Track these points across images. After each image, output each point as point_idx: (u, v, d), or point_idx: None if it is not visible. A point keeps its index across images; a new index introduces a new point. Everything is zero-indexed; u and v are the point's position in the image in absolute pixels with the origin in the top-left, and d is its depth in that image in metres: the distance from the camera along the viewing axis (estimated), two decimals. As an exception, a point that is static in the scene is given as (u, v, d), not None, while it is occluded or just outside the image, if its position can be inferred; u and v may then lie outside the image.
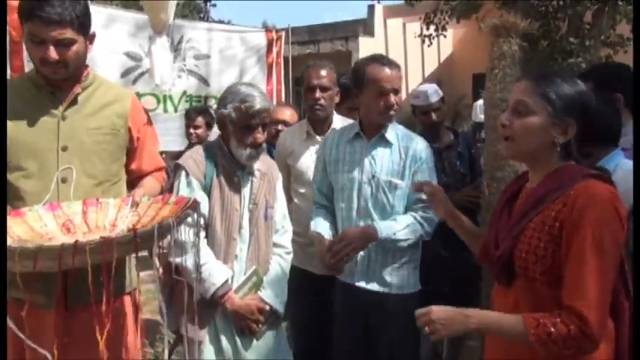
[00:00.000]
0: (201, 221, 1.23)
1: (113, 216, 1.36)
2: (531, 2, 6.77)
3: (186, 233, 1.36)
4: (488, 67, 2.37)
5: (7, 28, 3.56)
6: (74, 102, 1.52)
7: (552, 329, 1.08)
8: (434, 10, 7.87)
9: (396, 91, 1.98)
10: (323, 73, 2.34)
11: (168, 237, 1.23)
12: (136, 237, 1.00)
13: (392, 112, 1.98)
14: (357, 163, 2.02)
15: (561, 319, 1.09)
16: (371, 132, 2.04)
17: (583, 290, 1.10)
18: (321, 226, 2.04)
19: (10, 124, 1.46)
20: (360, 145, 2.04)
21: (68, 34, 1.41)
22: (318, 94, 2.31)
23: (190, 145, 3.70)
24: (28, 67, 3.65)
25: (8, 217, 1.23)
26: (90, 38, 1.52)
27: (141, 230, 1.01)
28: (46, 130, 1.48)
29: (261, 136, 1.83)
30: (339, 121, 2.38)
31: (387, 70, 1.95)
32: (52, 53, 1.40)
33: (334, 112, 2.45)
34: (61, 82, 1.50)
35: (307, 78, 2.36)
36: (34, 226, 1.26)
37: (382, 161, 2.01)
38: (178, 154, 3.58)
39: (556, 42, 6.47)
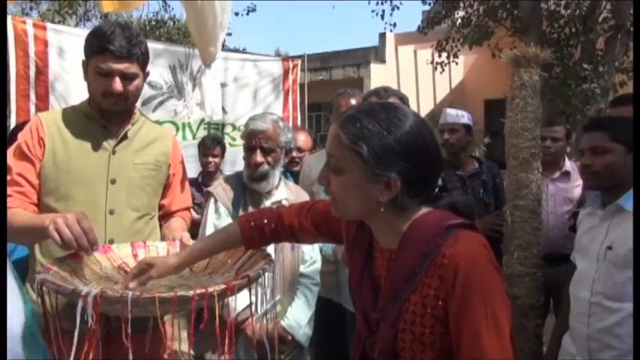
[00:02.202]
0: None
1: None
2: (543, 30, 6.84)
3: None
4: (508, 97, 2.39)
5: (34, 57, 3.68)
6: (124, 137, 1.58)
7: None
8: (446, 37, 7.96)
9: None
10: (353, 101, 2.31)
11: None
12: (250, 282, 1.11)
13: None
14: None
15: None
16: None
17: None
18: None
19: (61, 153, 1.50)
20: None
21: (134, 68, 1.49)
22: None
23: (207, 174, 3.73)
24: (52, 95, 3.76)
25: (70, 260, 1.26)
26: (145, 75, 1.60)
27: (253, 276, 1.12)
28: (98, 163, 1.52)
29: (256, 157, 1.85)
30: None
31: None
32: (118, 85, 1.46)
33: None
34: (115, 116, 1.56)
35: (337, 106, 2.33)
36: (94, 269, 1.27)
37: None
38: (193, 182, 3.62)
39: (569, 68, 6.50)
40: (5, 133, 1.48)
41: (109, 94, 1.48)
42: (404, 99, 2.08)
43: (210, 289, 1.01)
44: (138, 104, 4.50)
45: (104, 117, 1.55)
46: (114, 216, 1.51)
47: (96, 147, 1.53)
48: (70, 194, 1.48)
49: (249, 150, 1.88)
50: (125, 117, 1.59)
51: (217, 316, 1.07)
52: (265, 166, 1.86)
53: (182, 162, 1.74)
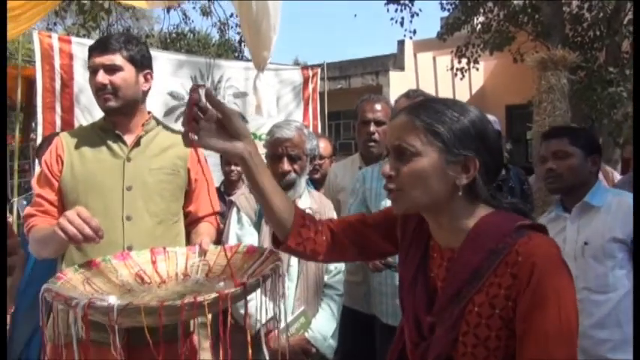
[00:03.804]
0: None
1: (183, 265, 1.37)
2: (566, 33, 6.71)
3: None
4: (535, 101, 2.35)
5: (59, 70, 3.76)
6: (138, 144, 1.61)
7: None
8: (465, 43, 7.88)
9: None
10: (378, 107, 2.30)
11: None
12: (246, 291, 1.04)
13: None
14: None
15: None
16: None
17: None
18: None
19: (78, 165, 1.56)
20: None
21: (117, 60, 1.56)
22: (372, 128, 2.27)
23: (229, 182, 3.74)
24: (77, 107, 3.83)
25: (86, 268, 1.27)
26: (145, 75, 1.64)
27: (249, 283, 1.04)
28: (113, 171, 1.56)
29: (284, 165, 1.83)
30: None
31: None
32: (100, 76, 1.55)
33: None
34: (123, 119, 1.61)
35: (362, 112, 2.31)
36: (110, 276, 1.28)
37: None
38: (215, 190, 3.63)
39: (594, 72, 6.35)
40: (5, 133, 1.53)
41: (99, 91, 1.56)
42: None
43: (200, 299, 0.96)
44: (160, 115, 4.58)
45: (117, 127, 1.61)
46: (131, 222, 1.53)
47: (110, 156, 1.58)
48: (88, 203, 1.51)
49: (275, 158, 1.85)
50: (137, 123, 1.63)
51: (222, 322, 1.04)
52: (292, 175, 1.83)
53: (205, 167, 1.73)
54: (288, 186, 1.84)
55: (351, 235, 1.14)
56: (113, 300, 1.10)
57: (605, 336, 1.67)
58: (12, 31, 3.59)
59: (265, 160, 1.92)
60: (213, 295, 0.98)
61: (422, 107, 0.97)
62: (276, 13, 3.19)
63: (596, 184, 1.84)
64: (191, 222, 1.70)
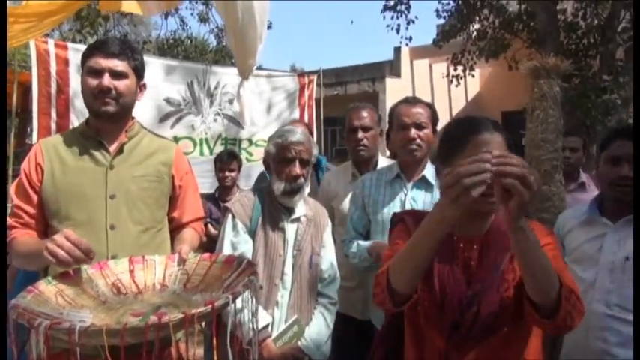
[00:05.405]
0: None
1: (161, 274, 1.34)
2: (561, 41, 6.77)
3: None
4: (528, 108, 2.36)
5: (55, 76, 3.76)
6: (121, 151, 1.58)
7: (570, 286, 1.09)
8: (461, 50, 7.93)
9: (418, 126, 1.99)
10: (364, 114, 2.35)
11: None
12: (214, 311, 1.01)
13: (412, 147, 1.99)
14: (399, 204, 2.01)
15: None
16: (411, 173, 2.04)
17: (567, 277, 1.13)
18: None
19: (59, 174, 1.52)
20: (400, 186, 2.04)
21: (122, 66, 1.55)
22: (360, 134, 2.31)
23: (224, 188, 3.74)
24: (72, 112, 3.82)
25: (60, 279, 1.23)
26: (140, 85, 1.63)
27: (218, 304, 1.01)
28: (95, 180, 1.53)
29: (296, 169, 1.82)
30: (384, 163, 2.35)
31: (407, 106, 2.03)
32: (106, 80, 1.52)
33: (380, 153, 2.44)
34: (110, 128, 1.57)
35: (349, 120, 2.36)
36: (85, 287, 1.24)
37: (424, 204, 1.99)
38: (210, 197, 3.62)
39: (588, 79, 6.40)
40: (5, 134, 1.52)
41: (99, 93, 1.52)
42: (431, 106, 2.09)
43: (165, 319, 0.94)
44: (155, 121, 4.52)
45: (100, 134, 1.57)
46: (115, 231, 1.49)
47: (93, 164, 1.54)
48: (70, 214, 1.49)
49: (286, 162, 1.83)
50: (120, 130, 1.60)
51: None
52: (302, 179, 1.84)
53: (189, 173, 1.72)
54: (297, 190, 1.84)
55: None
56: (85, 315, 1.08)
57: (628, 356, 1.52)
58: (22, 38, 3.56)
59: (272, 165, 1.89)
60: (179, 315, 0.95)
61: (499, 125, 1.25)
62: (263, 24, 3.20)
63: None
64: (175, 228, 1.67)
